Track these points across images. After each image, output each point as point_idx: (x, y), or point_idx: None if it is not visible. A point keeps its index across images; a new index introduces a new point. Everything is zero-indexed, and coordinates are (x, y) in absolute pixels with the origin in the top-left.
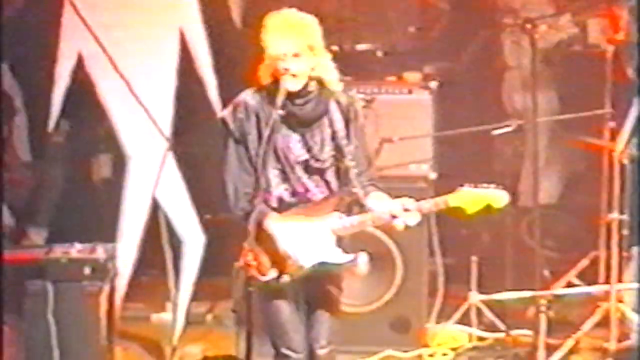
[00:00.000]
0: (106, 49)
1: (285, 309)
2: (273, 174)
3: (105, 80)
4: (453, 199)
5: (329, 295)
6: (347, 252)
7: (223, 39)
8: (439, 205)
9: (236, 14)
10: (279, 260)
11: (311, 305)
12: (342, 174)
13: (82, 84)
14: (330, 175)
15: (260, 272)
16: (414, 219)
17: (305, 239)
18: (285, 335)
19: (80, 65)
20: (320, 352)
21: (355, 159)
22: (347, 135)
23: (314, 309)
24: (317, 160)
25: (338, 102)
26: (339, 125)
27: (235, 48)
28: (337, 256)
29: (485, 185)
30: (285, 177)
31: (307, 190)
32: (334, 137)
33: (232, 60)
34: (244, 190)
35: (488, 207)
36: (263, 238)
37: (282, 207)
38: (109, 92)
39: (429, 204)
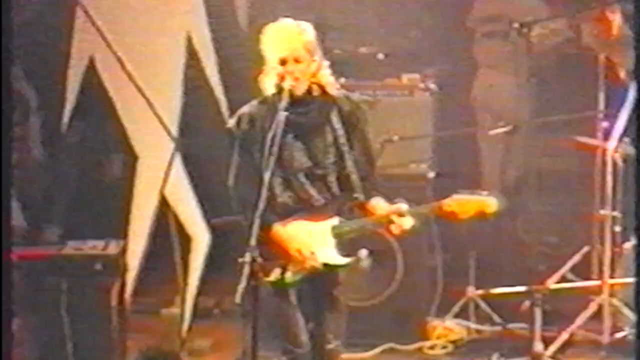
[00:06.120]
0: (117, 53)
1: (288, 307)
2: (277, 181)
3: (115, 83)
4: (447, 204)
5: (331, 293)
6: (347, 254)
7: (229, 43)
8: (434, 210)
9: (242, 19)
10: (287, 262)
11: (316, 304)
12: (343, 180)
13: (93, 87)
14: (332, 181)
15: (264, 274)
16: (408, 222)
17: (309, 242)
18: (290, 332)
19: (92, 68)
20: (327, 347)
21: (357, 165)
22: (349, 141)
23: (318, 307)
24: (320, 167)
25: (339, 108)
26: (341, 131)
27: (241, 52)
28: (338, 258)
29: (478, 191)
30: (289, 185)
31: (310, 196)
32: (335, 143)
33: (238, 63)
34: (249, 199)
35: (480, 213)
36: (270, 243)
37: (286, 213)
38: (120, 95)
39: (424, 209)
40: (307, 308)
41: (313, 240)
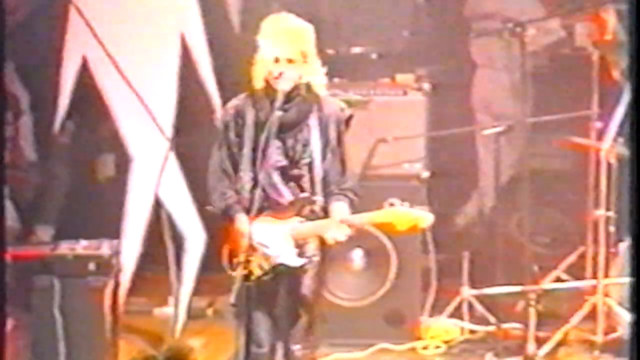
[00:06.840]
0: (110, 53)
1: (253, 307)
2: (250, 177)
3: (109, 82)
4: (384, 216)
5: (299, 293)
6: (302, 255)
7: (222, 43)
8: (371, 220)
9: (235, 18)
10: (248, 256)
11: (285, 305)
12: (311, 181)
13: (86, 87)
14: (305, 182)
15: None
16: (342, 234)
17: (268, 240)
18: (249, 332)
19: (85, 68)
20: (294, 349)
21: (328, 167)
22: (323, 143)
23: (287, 309)
24: (295, 166)
25: (320, 109)
26: (316, 131)
27: (234, 52)
28: (292, 259)
29: (415, 206)
30: (261, 181)
31: (280, 195)
32: (309, 143)
33: (231, 63)
34: (221, 190)
35: (414, 227)
36: (234, 236)
37: (256, 209)
38: (113, 95)
39: (360, 219)
40: (278, 309)
41: (274, 238)
